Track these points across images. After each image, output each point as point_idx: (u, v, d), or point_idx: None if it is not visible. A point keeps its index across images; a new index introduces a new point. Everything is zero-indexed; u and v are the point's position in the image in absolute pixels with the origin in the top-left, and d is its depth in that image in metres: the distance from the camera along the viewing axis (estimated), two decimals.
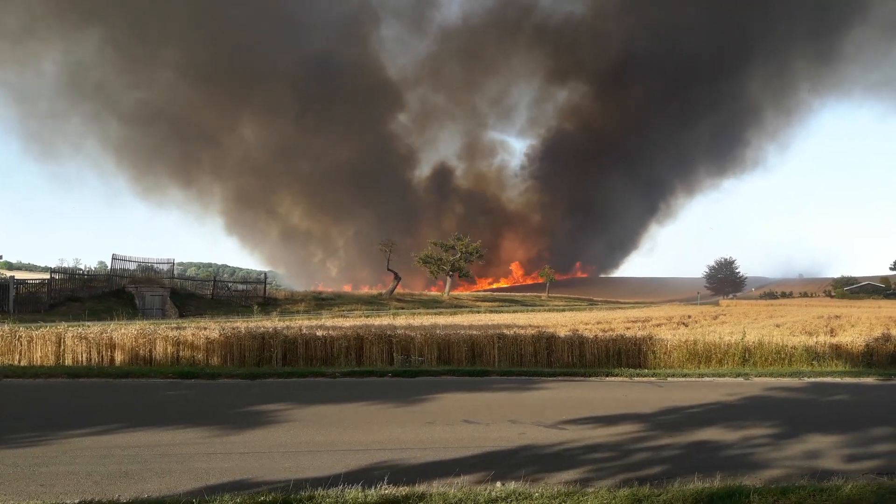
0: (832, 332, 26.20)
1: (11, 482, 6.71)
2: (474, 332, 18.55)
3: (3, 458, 7.56)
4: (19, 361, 16.42)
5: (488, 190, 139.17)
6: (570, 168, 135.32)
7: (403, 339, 17.47)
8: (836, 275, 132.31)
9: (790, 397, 13.11)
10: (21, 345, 16.68)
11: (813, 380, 15.60)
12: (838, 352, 18.71)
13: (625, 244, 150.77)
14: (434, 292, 73.36)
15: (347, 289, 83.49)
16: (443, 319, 30.44)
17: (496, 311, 47.29)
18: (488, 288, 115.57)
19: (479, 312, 45.14)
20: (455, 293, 70.28)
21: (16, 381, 13.51)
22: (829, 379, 15.82)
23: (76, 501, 5.85)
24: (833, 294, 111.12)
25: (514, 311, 46.99)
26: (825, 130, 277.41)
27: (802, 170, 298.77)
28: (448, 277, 67.95)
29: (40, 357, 16.51)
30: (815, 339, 19.91)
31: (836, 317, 39.44)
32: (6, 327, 17.35)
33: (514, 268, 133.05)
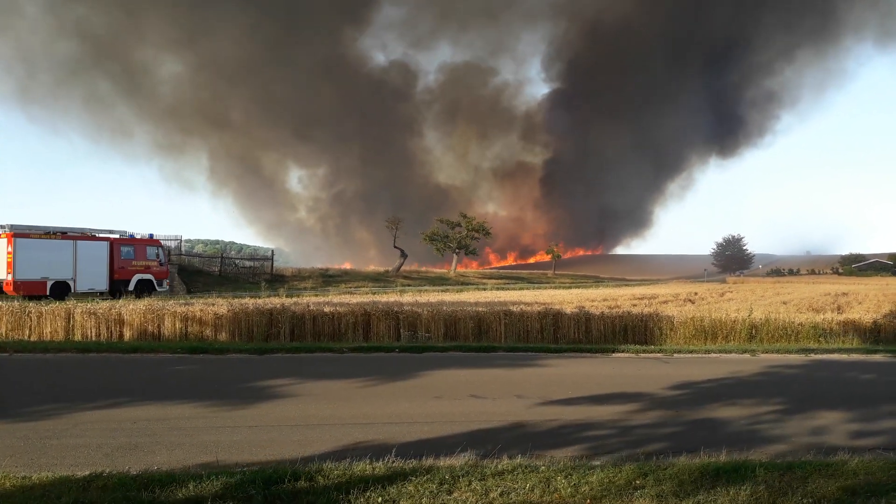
0: (839, 310, 26.14)
1: (23, 454, 6.78)
2: (481, 309, 18.58)
3: (15, 431, 7.64)
4: (29, 336, 16.57)
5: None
6: (575, 138, 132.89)
7: (410, 315, 17.52)
8: (845, 252, 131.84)
9: (797, 374, 13.11)
10: (30, 320, 16.82)
11: (820, 356, 15.58)
12: (845, 328, 18.67)
13: (632, 221, 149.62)
14: (440, 269, 73.48)
15: (349, 266, 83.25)
16: (449, 296, 30.52)
17: (502, 289, 47.35)
18: (495, 265, 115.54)
19: (485, 289, 45.21)
20: (461, 270, 70.38)
21: (25, 356, 13.62)
22: (836, 356, 15.81)
23: (87, 473, 5.90)
24: (841, 271, 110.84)
25: (521, 289, 47.06)
26: (841, 94, 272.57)
27: (813, 141, 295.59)
28: (454, 255, 67.99)
29: (49, 332, 16.64)
30: (822, 317, 19.87)
31: (844, 294, 39.32)
32: (16, 303, 17.51)
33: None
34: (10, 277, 26.17)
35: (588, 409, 9.36)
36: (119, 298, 22.06)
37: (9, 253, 26.20)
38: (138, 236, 31.05)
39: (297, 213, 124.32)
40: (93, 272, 28.58)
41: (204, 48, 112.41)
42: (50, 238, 27.71)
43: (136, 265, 30.19)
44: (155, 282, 30.89)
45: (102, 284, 29.02)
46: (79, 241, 28.45)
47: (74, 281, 28.06)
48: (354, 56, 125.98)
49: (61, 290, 27.27)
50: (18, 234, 26.60)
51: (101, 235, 29.65)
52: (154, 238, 32.03)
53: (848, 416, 9.14)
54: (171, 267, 40.85)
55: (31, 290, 26.40)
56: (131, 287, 29.46)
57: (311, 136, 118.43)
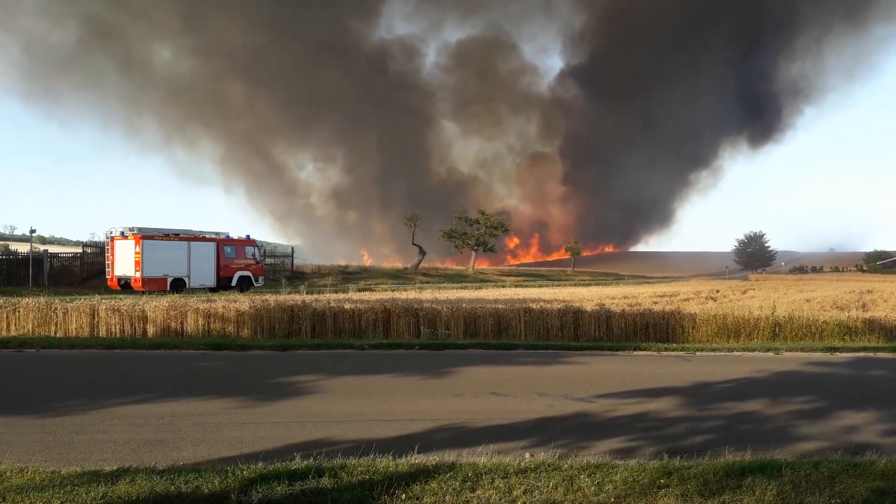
0: (864, 307, 25.76)
1: (52, 449, 6.89)
2: (500, 307, 18.56)
3: (43, 426, 7.76)
4: (55, 333, 16.81)
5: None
6: (593, 130, 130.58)
7: (430, 312, 17.55)
8: (869, 249, 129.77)
9: (823, 372, 12.95)
10: (56, 316, 17.06)
11: (846, 355, 15.37)
12: (871, 326, 18.40)
13: (654, 217, 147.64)
14: (457, 266, 73.44)
15: (367, 260, 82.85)
16: (468, 293, 30.48)
17: (521, 286, 47.21)
18: (513, 263, 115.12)
19: (504, 287, 45.11)
20: (480, 267, 70.33)
21: (53, 352, 13.83)
22: (862, 354, 15.58)
23: (115, 468, 5.98)
24: (865, 268, 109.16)
25: (540, 286, 46.88)
26: (865, 88, 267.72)
27: (837, 136, 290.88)
28: (473, 252, 67.95)
29: (75, 329, 16.88)
30: (846, 314, 19.60)
31: (869, 291, 38.72)
32: (42, 299, 17.77)
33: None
34: (137, 274, 29.45)
35: (611, 406, 9.31)
36: (222, 292, 26.42)
37: (137, 253, 29.47)
38: (234, 237, 34.79)
39: (310, 207, 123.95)
40: (203, 270, 32.20)
41: (208, 37, 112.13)
42: (169, 239, 31.02)
43: (237, 263, 33.93)
44: (252, 278, 34.53)
45: (211, 281, 32.42)
46: (191, 242, 31.98)
47: (188, 277, 31.53)
48: (363, 42, 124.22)
49: (178, 286, 30.54)
50: (145, 236, 29.91)
51: (208, 237, 33.18)
52: (250, 239, 35.68)
53: (876, 416, 9.01)
54: None
55: (154, 286, 29.50)
56: (234, 283, 33.24)
57: (322, 125, 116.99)
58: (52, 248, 45.37)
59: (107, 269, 31.22)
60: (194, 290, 29.19)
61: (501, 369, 12.46)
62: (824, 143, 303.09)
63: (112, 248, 30.68)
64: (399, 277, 51.46)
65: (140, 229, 29.99)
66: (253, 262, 34.82)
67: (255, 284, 34.37)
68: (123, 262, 30.14)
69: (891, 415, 9.10)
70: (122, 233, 30.32)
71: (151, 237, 30.17)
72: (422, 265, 60.95)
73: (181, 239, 31.54)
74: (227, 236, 33.97)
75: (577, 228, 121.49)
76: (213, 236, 33.31)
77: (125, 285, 30.00)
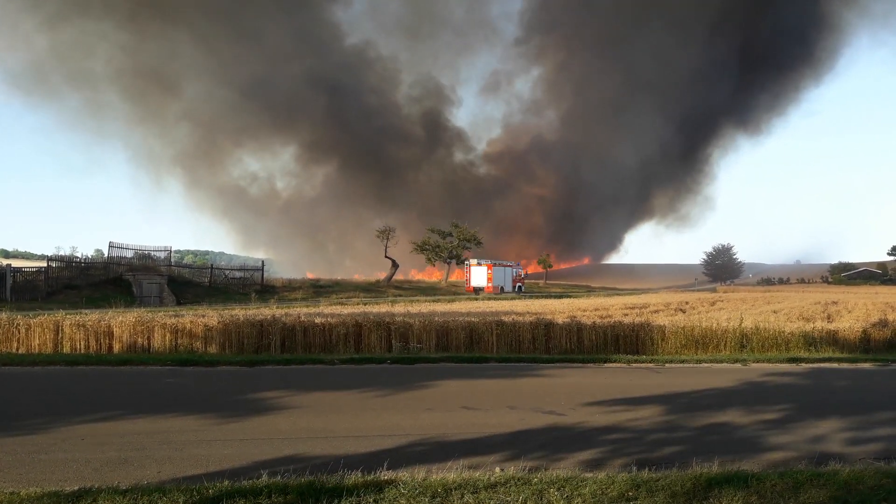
0: (829, 319, 26.27)
1: (11, 469, 6.71)
2: (472, 319, 18.54)
3: (2, 446, 7.55)
4: (17, 349, 16.40)
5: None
6: (560, 137, 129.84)
7: (402, 326, 17.47)
8: (834, 261, 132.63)
9: (788, 383, 13.16)
10: (19, 333, 16.64)
11: (810, 365, 15.65)
12: (835, 338, 18.77)
13: (624, 229, 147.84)
14: (430, 279, 73.41)
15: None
16: (441, 306, 30.44)
17: (493, 298, 47.28)
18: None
19: (476, 299, 45.14)
20: (453, 280, 70.29)
21: (14, 369, 13.49)
22: (826, 364, 15.88)
23: (76, 488, 5.84)
24: (830, 280, 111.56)
25: (512, 299, 47.00)
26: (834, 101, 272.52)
27: (802, 148, 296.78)
28: (446, 264, 67.91)
29: (38, 345, 16.49)
30: (812, 325, 19.96)
31: (834, 303, 39.55)
32: (3, 315, 17.32)
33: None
34: (490, 285, 56.62)
35: (582, 419, 9.35)
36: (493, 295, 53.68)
37: (489, 273, 57.15)
38: (508, 262, 64.04)
39: (276, 216, 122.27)
40: (508, 282, 60.03)
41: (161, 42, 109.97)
42: (499, 266, 59.35)
43: (517, 277, 62.90)
44: (522, 286, 63.04)
45: (510, 288, 59.52)
46: (505, 267, 60.40)
47: (504, 286, 58.65)
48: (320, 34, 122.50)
49: (502, 290, 57.28)
50: (494, 264, 58.39)
51: (506, 264, 62.59)
52: (519, 264, 67.68)
53: (839, 425, 9.17)
54: (161, 278, 40.84)
55: (494, 291, 55.92)
56: (515, 289, 60.31)
57: (283, 118, 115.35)
58: (16, 263, 44.35)
59: (466, 282, 58.29)
60: (506, 292, 56.67)
61: (473, 383, 12.44)
62: (790, 156, 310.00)
63: (469, 270, 58.00)
64: (371, 291, 51.20)
65: (491, 260, 59.23)
66: (522, 276, 64.67)
67: (523, 290, 61.52)
68: (478, 278, 57.28)
69: (853, 424, 9.27)
70: (478, 262, 58.07)
71: (494, 265, 58.04)
72: (394, 278, 60.73)
73: (500, 265, 59.42)
74: (501, 262, 61.20)
75: (549, 241, 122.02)
76: (507, 263, 62.07)
77: (478, 290, 55.48)
